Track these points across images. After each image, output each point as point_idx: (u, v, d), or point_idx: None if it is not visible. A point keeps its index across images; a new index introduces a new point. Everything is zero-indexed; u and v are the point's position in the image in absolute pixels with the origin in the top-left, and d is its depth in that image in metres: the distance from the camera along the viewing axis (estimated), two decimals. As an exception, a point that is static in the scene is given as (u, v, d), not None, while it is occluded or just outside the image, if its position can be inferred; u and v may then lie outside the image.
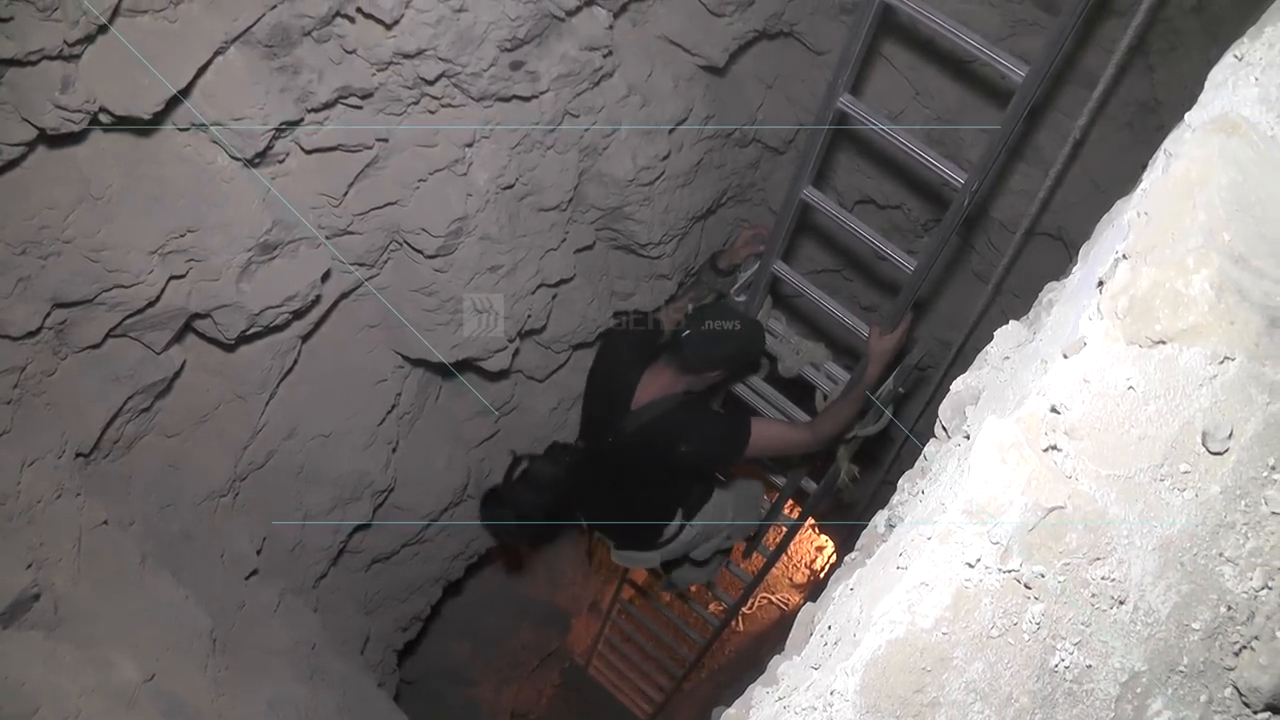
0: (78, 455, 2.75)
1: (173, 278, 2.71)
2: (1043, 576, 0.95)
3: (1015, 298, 4.53)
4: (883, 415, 4.00)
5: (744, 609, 8.80)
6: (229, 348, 3.09)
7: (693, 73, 3.71)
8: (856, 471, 4.39)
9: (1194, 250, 1.01)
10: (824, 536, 9.71)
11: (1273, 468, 0.96)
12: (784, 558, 9.59)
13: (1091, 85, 2.90)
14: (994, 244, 4.54)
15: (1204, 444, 0.96)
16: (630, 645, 8.29)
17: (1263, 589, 0.95)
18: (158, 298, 2.69)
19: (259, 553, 3.53)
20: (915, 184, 4.57)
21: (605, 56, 3.19)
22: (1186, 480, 0.96)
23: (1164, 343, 0.98)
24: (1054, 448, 0.98)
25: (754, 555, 5.81)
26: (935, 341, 5.07)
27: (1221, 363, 0.97)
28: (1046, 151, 4.03)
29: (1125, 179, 1.24)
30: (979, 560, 0.96)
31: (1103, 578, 0.96)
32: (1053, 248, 4.39)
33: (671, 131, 3.69)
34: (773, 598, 9.77)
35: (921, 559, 0.98)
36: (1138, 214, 1.13)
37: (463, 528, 4.84)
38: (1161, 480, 0.96)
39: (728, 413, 4.34)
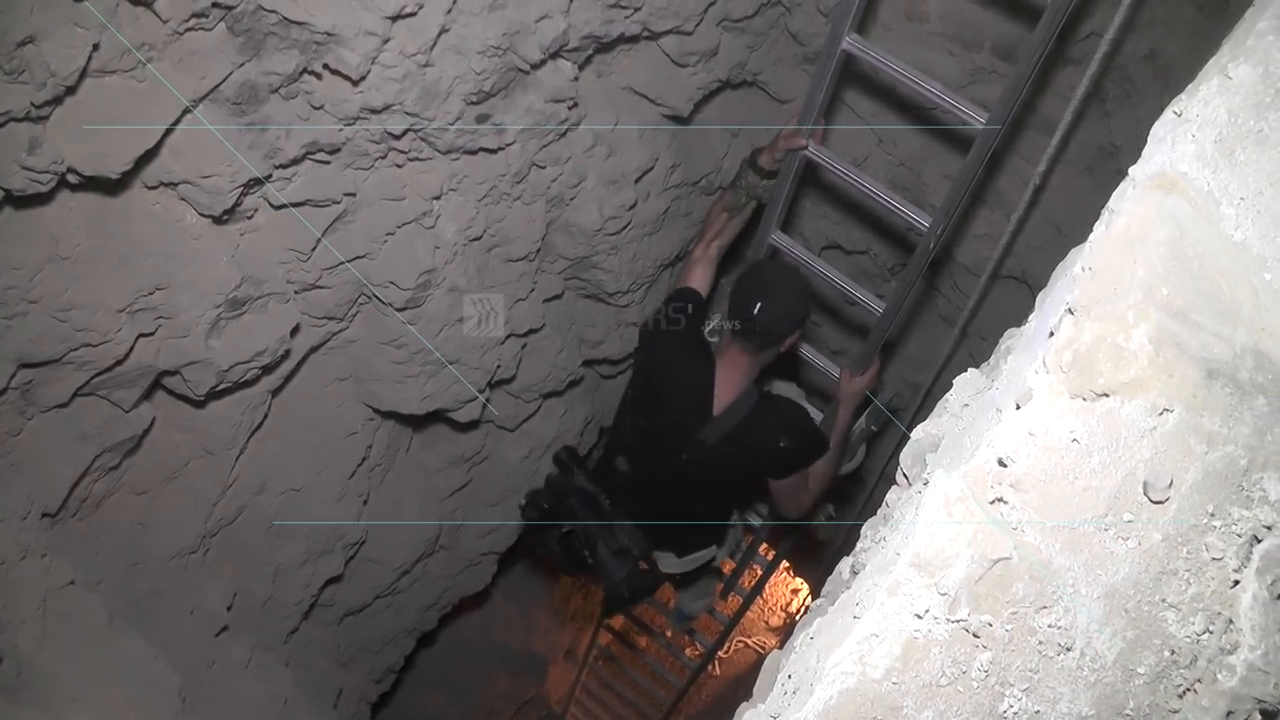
0: (44, 515, 2.73)
1: (141, 335, 2.71)
2: (990, 625, 0.98)
3: (982, 340, 4.59)
4: (857, 454, 4.04)
5: (721, 652, 8.77)
6: (198, 404, 3.08)
7: (658, 122, 3.77)
8: (831, 510, 4.42)
9: (1134, 306, 1.04)
10: (799, 579, 9.70)
11: (1212, 515, 0.99)
12: (760, 600, 9.58)
13: (1050, 131, 2.96)
14: (959, 287, 4.61)
15: (1146, 494, 0.98)
16: (608, 692, 8.22)
17: (1204, 633, 0.97)
18: (126, 356, 2.69)
19: (229, 609, 3.50)
20: (881, 229, 4.64)
21: (571, 108, 3.24)
22: (1129, 529, 0.99)
23: (1106, 396, 1.01)
24: (1000, 500, 1.00)
25: (730, 598, 5.80)
26: (904, 384, 5.11)
27: (1161, 414, 1.00)
28: (1008, 196, 4.11)
29: (1086, 223, 1.27)
30: (927, 611, 0.98)
31: (1049, 625, 0.98)
32: (1017, 290, 4.45)
33: (638, 181, 3.73)
34: (749, 641, 9.73)
35: (872, 610, 1.00)
36: (1082, 269, 1.17)
37: (435, 578, 4.82)
38: (1105, 530, 0.99)
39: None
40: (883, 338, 3.42)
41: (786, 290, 3.09)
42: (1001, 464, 1.01)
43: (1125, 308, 1.04)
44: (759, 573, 5.52)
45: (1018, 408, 1.10)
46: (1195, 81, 1.33)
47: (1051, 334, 1.13)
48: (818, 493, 3.48)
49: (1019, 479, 1.00)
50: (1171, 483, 0.98)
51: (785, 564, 7.46)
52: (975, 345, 4.63)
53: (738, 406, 3.18)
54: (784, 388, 4.02)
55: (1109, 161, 3.91)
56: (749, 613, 6.95)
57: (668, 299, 3.39)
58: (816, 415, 3.91)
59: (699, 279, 3.41)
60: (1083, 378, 1.02)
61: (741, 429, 3.18)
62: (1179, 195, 1.19)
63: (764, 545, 5.43)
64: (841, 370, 3.48)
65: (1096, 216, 1.32)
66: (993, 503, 1.00)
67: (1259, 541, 1.00)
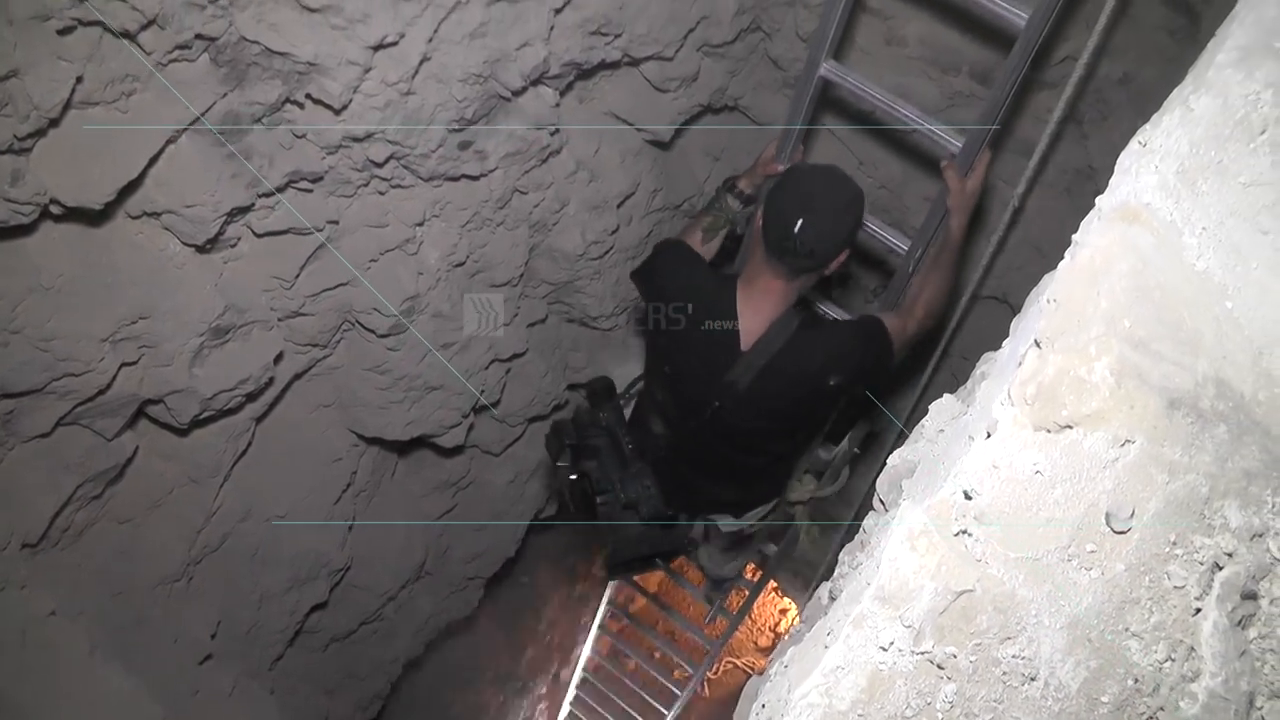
0: (24, 546, 2.73)
1: (124, 365, 2.72)
2: (955, 657, 0.99)
3: (964, 359, 4.62)
4: (840, 476, 4.05)
5: (709, 674, 8.75)
6: (182, 432, 3.09)
7: (640, 147, 3.79)
8: (816, 532, 4.43)
9: (1096, 338, 1.06)
10: (787, 599, 9.69)
11: (1174, 544, 1.01)
12: (748, 620, 9.56)
13: (1028, 153, 2.99)
14: (940, 308, 4.63)
15: (1108, 524, 1.00)
16: (595, 717, 8.19)
17: (1167, 661, 0.99)
18: (109, 385, 2.70)
19: (213, 637, 3.49)
20: (861, 251, 4.67)
21: (553, 134, 3.26)
22: (1093, 559, 1.01)
23: (1070, 428, 1.03)
24: (965, 532, 1.02)
25: (717, 620, 5.80)
26: (888, 404, 5.13)
27: (1123, 445, 1.02)
28: (989, 217, 4.14)
29: (1065, 244, 1.30)
30: (892, 643, 1.00)
31: (1014, 656, 1.00)
32: (999, 311, 4.49)
33: (620, 205, 3.76)
34: (738, 662, 9.71)
35: (838, 643, 1.01)
36: (1048, 300, 1.19)
37: (421, 604, 4.82)
38: (1069, 560, 1.01)
39: (846, 319, 3.42)
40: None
41: (835, 201, 2.66)
42: (966, 496, 1.03)
43: (1088, 340, 1.06)
44: (745, 594, 5.52)
45: (988, 436, 1.12)
46: (1159, 113, 1.35)
47: (1020, 363, 1.15)
48: (927, 319, 3.04)
49: (983, 511, 1.02)
50: (1134, 513, 1.00)
51: (772, 584, 7.46)
52: (958, 365, 4.66)
53: (770, 339, 2.77)
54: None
55: (1087, 183, 3.95)
56: (737, 633, 6.96)
57: (657, 245, 3.08)
58: (903, 242, 3.35)
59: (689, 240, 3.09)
60: (1046, 410, 1.04)
61: (779, 365, 2.77)
62: (1142, 226, 1.21)
63: (750, 565, 5.42)
64: (945, 172, 2.90)
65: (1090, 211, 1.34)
66: (957, 535, 1.02)
67: (1220, 569, 1.01)
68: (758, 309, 2.80)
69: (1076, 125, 3.82)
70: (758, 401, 2.83)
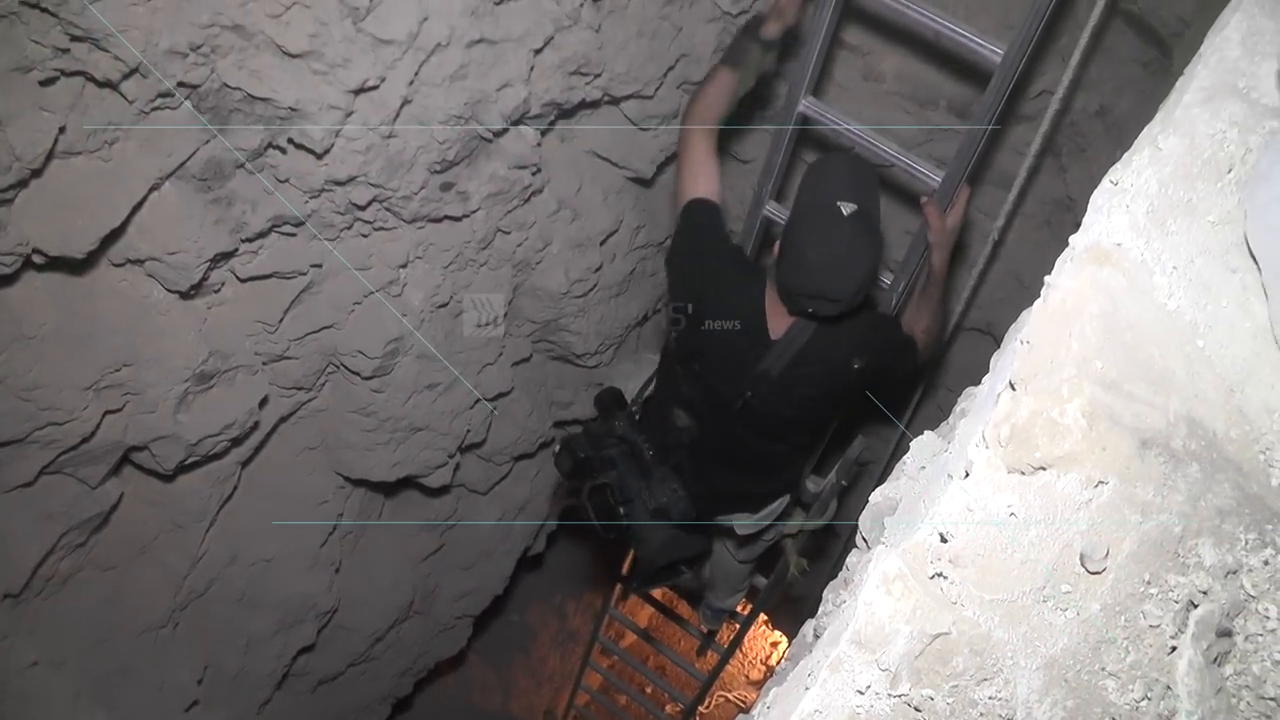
0: (6, 596, 2.71)
1: (108, 412, 2.72)
2: (932, 699, 1.00)
3: (949, 391, 4.64)
4: (828, 508, 4.05)
5: (701, 708, 8.69)
6: (167, 478, 3.08)
7: (622, 185, 3.82)
8: (805, 565, 4.42)
9: (1068, 380, 1.08)
10: (777, 631, 9.66)
11: (1148, 583, 1.02)
12: (739, 653, 9.52)
13: (1008, 186, 3.03)
14: (924, 339, 4.66)
15: (1083, 565, 1.01)
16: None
17: (1143, 699, 1.00)
18: (93, 433, 2.69)
19: (200, 682, 3.47)
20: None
21: (534, 174, 3.28)
22: (1068, 600, 1.02)
23: (1043, 469, 1.04)
24: (940, 575, 1.03)
25: (708, 653, 5.78)
26: (874, 436, 5.15)
27: (1096, 486, 1.03)
28: (970, 250, 4.18)
29: (1046, 276, 1.31)
30: (869, 687, 1.01)
31: (990, 697, 1.00)
32: (983, 342, 4.51)
33: (603, 243, 3.78)
34: (729, 696, 9.65)
35: (816, 686, 1.02)
36: (1021, 341, 1.20)
37: (409, 643, 4.79)
38: (1044, 601, 1.02)
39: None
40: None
41: (860, 251, 2.52)
42: (942, 539, 1.04)
43: (1060, 382, 1.08)
44: (737, 627, 5.51)
45: (965, 475, 1.13)
46: (1129, 151, 1.37)
47: (995, 404, 1.17)
48: (930, 343, 3.02)
49: (958, 554, 1.03)
50: (1108, 553, 1.01)
51: (763, 616, 7.44)
52: (943, 397, 4.68)
53: (798, 329, 2.73)
54: None
55: (1066, 214, 3.99)
56: (729, 667, 6.92)
57: (683, 217, 2.90)
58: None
59: (707, 184, 2.90)
60: (1020, 452, 1.05)
61: (807, 353, 2.74)
62: (1113, 267, 1.23)
63: (741, 600, 5.42)
64: (925, 209, 2.90)
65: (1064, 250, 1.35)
66: (932, 578, 1.03)
67: (1195, 607, 1.02)
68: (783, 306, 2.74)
69: (1055, 157, 3.86)
70: (789, 389, 2.79)
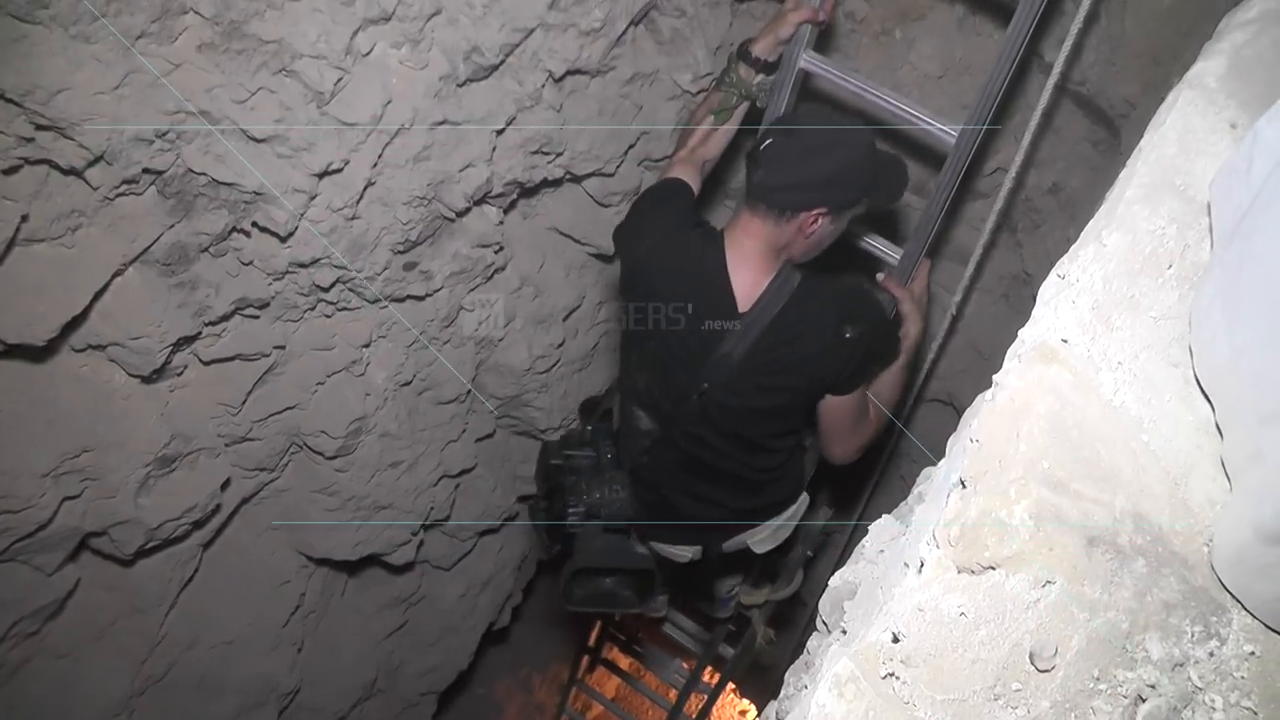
0: (-45, 687, 2.66)
1: (66, 498, 2.68)
2: (886, 802, 1.01)
3: (913, 462, 4.68)
4: (795, 579, 4.07)
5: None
6: (126, 563, 3.03)
7: (584, 261, 3.86)
8: (772, 634, 4.43)
9: (1015, 481, 1.11)
10: (745, 700, 9.57)
11: (1098, 679, 1.04)
12: (710, 722, 9.41)
13: (965, 261, 3.09)
14: (887, 411, 4.72)
15: (1033, 663, 1.04)
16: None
17: (1096, 796, 1.02)
18: (50, 520, 2.65)
19: (157, 770, 3.40)
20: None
21: (497, 252, 3.31)
22: (1018, 698, 1.04)
23: (992, 569, 1.07)
24: (892, 675, 1.05)
25: (678, 725, 5.74)
26: (838, 506, 5.19)
27: (1044, 586, 1.06)
28: (931, 323, 4.24)
29: (1005, 347, 1.34)
30: (823, 792, 1.02)
31: (946, 799, 1.02)
32: (944, 413, 4.57)
33: (566, 319, 3.80)
34: (701, 766, 9.52)
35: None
36: (971, 440, 1.24)
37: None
38: (995, 699, 1.04)
39: None
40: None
41: (823, 142, 2.23)
42: (894, 639, 1.06)
43: (1008, 482, 1.11)
44: (704, 698, 5.48)
45: (919, 570, 1.15)
46: (1075, 245, 1.42)
47: (946, 503, 1.19)
48: (880, 425, 2.65)
49: (909, 654, 1.05)
50: (1057, 651, 1.03)
51: (731, 685, 7.38)
52: (906, 467, 4.72)
53: (772, 296, 2.33)
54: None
55: (1024, 288, 4.07)
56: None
57: (647, 190, 2.63)
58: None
59: (687, 178, 2.61)
60: (969, 552, 1.07)
61: (781, 326, 2.33)
62: (1060, 365, 1.26)
63: (708, 669, 5.39)
64: (885, 285, 2.77)
65: (1013, 341, 1.38)
66: (884, 678, 1.04)
67: (1143, 701, 1.05)
68: (751, 264, 2.36)
69: (1010, 233, 3.95)
70: (757, 375, 2.39)
